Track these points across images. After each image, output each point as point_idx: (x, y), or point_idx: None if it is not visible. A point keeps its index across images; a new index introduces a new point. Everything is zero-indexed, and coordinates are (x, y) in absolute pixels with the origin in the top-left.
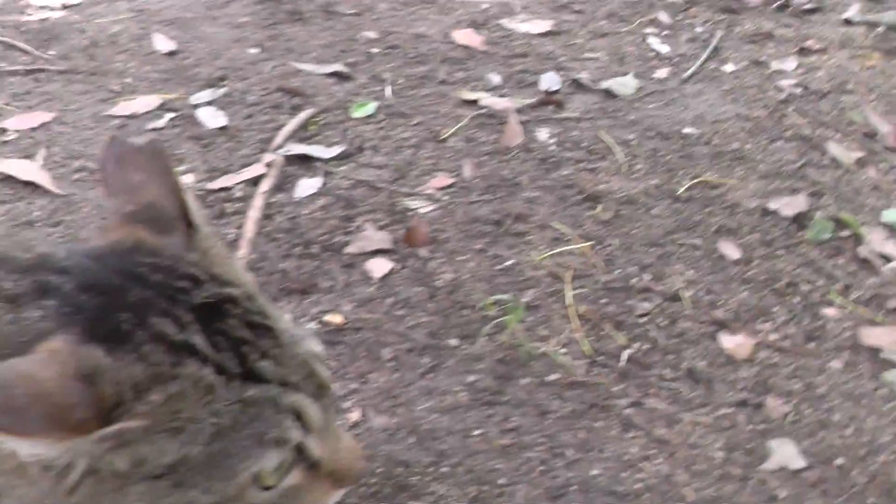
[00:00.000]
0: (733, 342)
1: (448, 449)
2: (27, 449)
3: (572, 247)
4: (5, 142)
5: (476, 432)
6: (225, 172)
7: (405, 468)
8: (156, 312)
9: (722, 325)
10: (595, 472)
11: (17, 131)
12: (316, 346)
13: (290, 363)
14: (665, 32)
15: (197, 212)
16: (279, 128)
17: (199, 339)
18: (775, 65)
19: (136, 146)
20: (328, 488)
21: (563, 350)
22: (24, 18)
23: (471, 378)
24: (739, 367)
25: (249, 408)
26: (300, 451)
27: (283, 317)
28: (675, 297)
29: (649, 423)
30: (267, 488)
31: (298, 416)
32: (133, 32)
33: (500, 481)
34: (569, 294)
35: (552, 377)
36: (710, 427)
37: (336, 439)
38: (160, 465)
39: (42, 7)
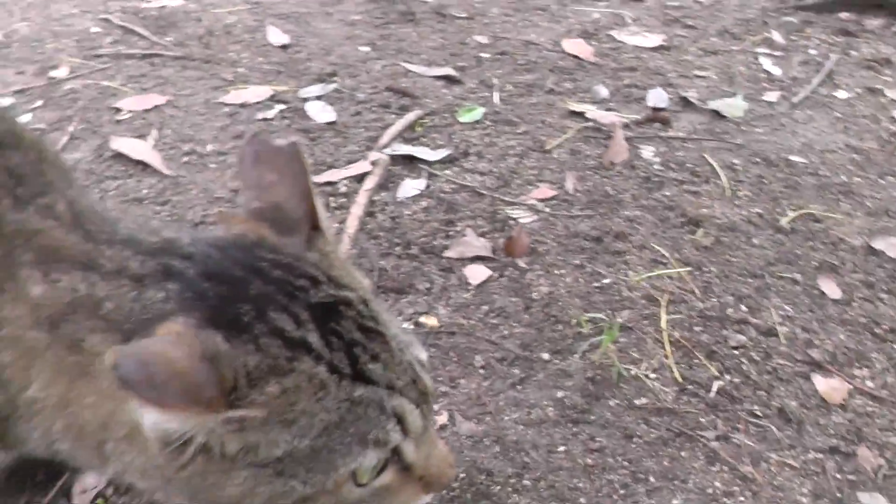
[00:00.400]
0: (828, 385)
1: (531, 462)
2: (154, 422)
3: (670, 271)
4: (119, 121)
5: (560, 448)
6: (331, 167)
7: (487, 476)
8: (275, 308)
9: (817, 366)
10: (676, 502)
11: (131, 112)
12: (422, 354)
13: (397, 368)
14: (778, 53)
15: (324, 216)
16: (386, 127)
17: (314, 338)
18: (891, 94)
19: (275, 146)
20: (417, 491)
21: (654, 375)
22: (144, 6)
23: (559, 394)
24: (832, 411)
25: (356, 407)
26: (396, 452)
27: (394, 321)
28: (770, 332)
29: (735, 458)
30: (360, 485)
31: (400, 420)
32: (248, 24)
33: (581, 500)
34: (664, 318)
35: (641, 401)
36: (798, 470)
37: (431, 445)
38: (269, 455)
39: None
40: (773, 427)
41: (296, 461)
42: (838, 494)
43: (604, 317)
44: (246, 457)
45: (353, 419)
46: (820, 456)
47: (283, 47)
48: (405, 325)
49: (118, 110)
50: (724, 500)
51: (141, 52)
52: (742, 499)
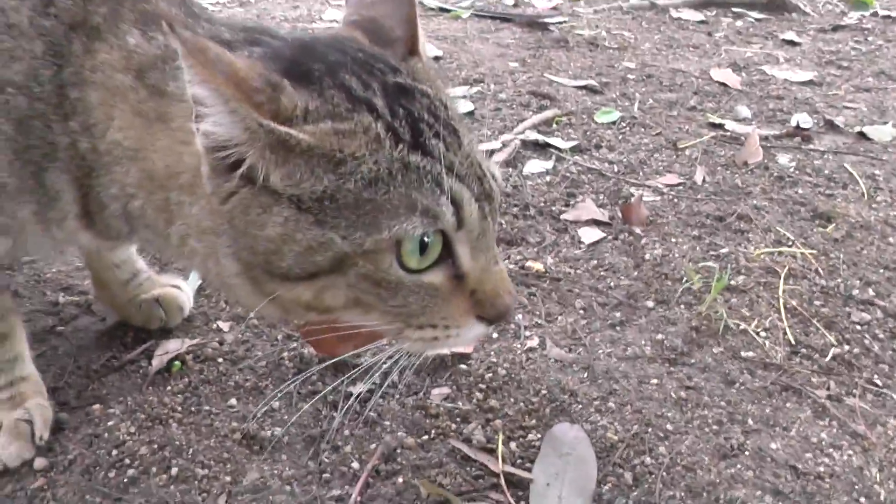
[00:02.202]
0: None
1: (620, 389)
2: (211, 125)
3: (794, 250)
4: None
5: (653, 381)
6: None
7: (570, 396)
8: (347, 72)
9: None
10: (775, 445)
11: None
12: (497, 169)
13: (461, 157)
14: None
15: (423, 47)
16: (522, 120)
17: (379, 102)
18: None
19: None
20: (468, 308)
21: (765, 333)
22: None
23: (659, 336)
24: None
25: (410, 172)
26: (449, 251)
27: (474, 137)
28: None
29: (847, 416)
30: (405, 268)
31: (456, 205)
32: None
33: (667, 427)
34: (781, 286)
35: (747, 354)
36: None
37: (490, 261)
38: (312, 192)
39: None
40: (893, 395)
41: (338, 209)
42: None
43: (715, 267)
44: (290, 191)
45: (405, 182)
46: None
47: (436, 58)
48: (511, 266)
49: None
50: (830, 450)
51: None
52: (851, 453)
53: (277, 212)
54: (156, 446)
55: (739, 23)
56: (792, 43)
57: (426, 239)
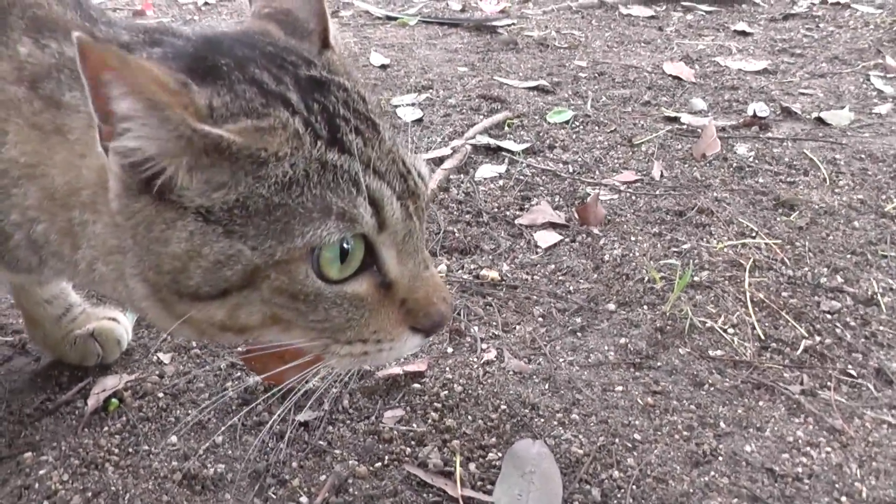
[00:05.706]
0: None
1: (583, 399)
2: (134, 141)
3: (758, 241)
4: None
5: (618, 388)
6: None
7: (531, 410)
8: (257, 66)
9: None
10: (749, 448)
11: None
12: (424, 167)
13: (382, 153)
14: (891, 75)
15: (338, 40)
16: (473, 125)
17: (294, 96)
18: None
19: None
20: (398, 319)
21: (732, 330)
22: None
23: (622, 340)
24: None
25: (327, 172)
26: (374, 258)
27: (396, 136)
28: (869, 301)
29: (823, 411)
30: (325, 279)
31: (376, 206)
32: (353, 50)
33: (635, 436)
34: (747, 279)
35: (716, 353)
36: None
37: (420, 267)
38: (225, 200)
39: None
40: (869, 386)
41: (248, 217)
42: None
43: (677, 264)
44: (200, 197)
45: (320, 182)
46: None
47: (383, 67)
48: (464, 276)
49: None
50: (807, 449)
51: None
52: (829, 450)
53: (182, 226)
54: (90, 494)
55: (690, 16)
56: (744, 33)
57: (346, 245)
